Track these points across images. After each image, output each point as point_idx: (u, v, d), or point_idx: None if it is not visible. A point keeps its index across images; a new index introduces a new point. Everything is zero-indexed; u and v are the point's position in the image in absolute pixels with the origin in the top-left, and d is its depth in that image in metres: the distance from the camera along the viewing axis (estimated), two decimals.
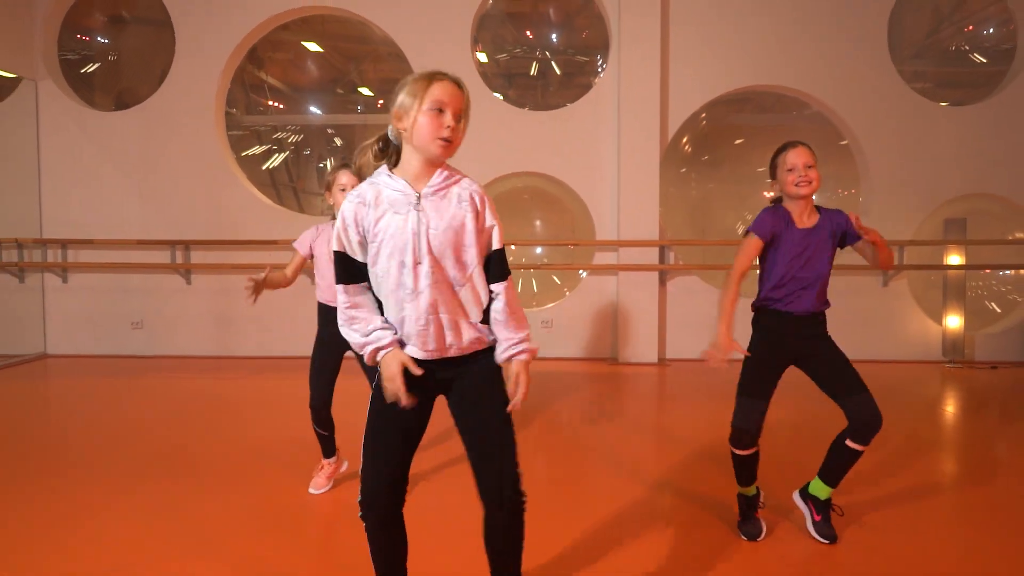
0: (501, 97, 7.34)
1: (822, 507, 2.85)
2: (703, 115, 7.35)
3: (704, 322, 6.78)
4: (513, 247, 7.60)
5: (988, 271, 7.24)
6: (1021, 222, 6.95)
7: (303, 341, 7.63)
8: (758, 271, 2.90)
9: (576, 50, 7.71)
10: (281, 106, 8.47)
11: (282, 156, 8.15)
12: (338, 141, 8.33)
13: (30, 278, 7.17)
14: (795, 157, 2.76)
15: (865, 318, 6.81)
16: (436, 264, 1.82)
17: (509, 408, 1.86)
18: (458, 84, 1.89)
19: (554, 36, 7.71)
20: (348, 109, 8.42)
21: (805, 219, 2.78)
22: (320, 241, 3.35)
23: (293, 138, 8.21)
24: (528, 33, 7.68)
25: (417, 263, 1.81)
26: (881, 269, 2.92)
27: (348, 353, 3.18)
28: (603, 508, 3.17)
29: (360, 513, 1.90)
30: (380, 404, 1.88)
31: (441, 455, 3.88)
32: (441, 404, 1.99)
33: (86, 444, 4.24)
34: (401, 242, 1.82)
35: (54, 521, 3.04)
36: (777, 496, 3.24)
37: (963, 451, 4.17)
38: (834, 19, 6.77)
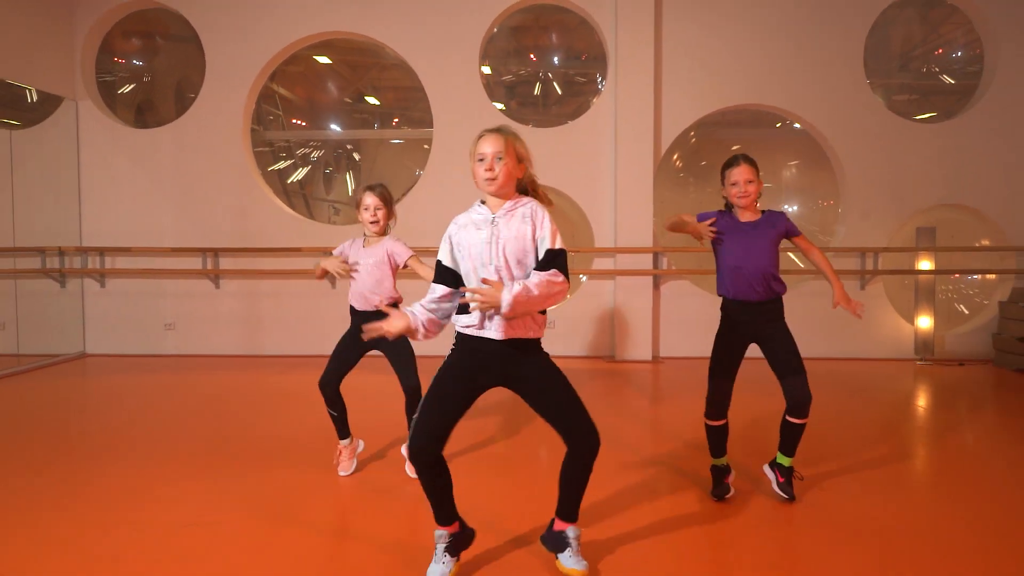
0: (502, 107, 7.87)
1: (785, 472, 3.41)
2: (692, 133, 7.91)
3: (695, 322, 7.32)
4: None
5: (956, 276, 7.80)
6: (987, 231, 7.51)
7: (324, 341, 8.33)
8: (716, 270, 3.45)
9: (576, 72, 8.29)
10: (304, 124, 9.04)
11: (304, 170, 8.72)
12: (356, 156, 8.88)
13: (71, 283, 7.72)
14: (737, 174, 3.29)
15: (843, 318, 7.32)
16: (505, 266, 2.45)
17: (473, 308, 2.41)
18: (498, 131, 2.53)
19: (556, 59, 8.30)
20: (366, 124, 8.98)
21: (749, 220, 3.34)
22: (352, 252, 3.80)
23: (315, 153, 8.77)
24: (532, 56, 8.26)
25: (489, 265, 2.46)
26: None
27: (373, 352, 3.71)
28: (605, 480, 3.73)
29: (409, 457, 2.52)
30: (442, 380, 2.51)
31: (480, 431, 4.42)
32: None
33: (129, 433, 4.68)
34: (477, 250, 2.47)
35: (110, 501, 3.44)
36: (751, 470, 3.81)
37: (927, 437, 4.72)
38: (815, 43, 7.33)
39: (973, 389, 6.12)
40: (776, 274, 3.31)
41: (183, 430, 4.76)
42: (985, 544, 2.95)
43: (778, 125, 7.67)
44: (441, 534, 2.63)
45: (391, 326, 2.48)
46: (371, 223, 3.68)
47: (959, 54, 7.94)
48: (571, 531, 2.66)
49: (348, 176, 8.65)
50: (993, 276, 7.65)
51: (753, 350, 3.40)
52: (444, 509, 2.60)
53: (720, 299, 3.46)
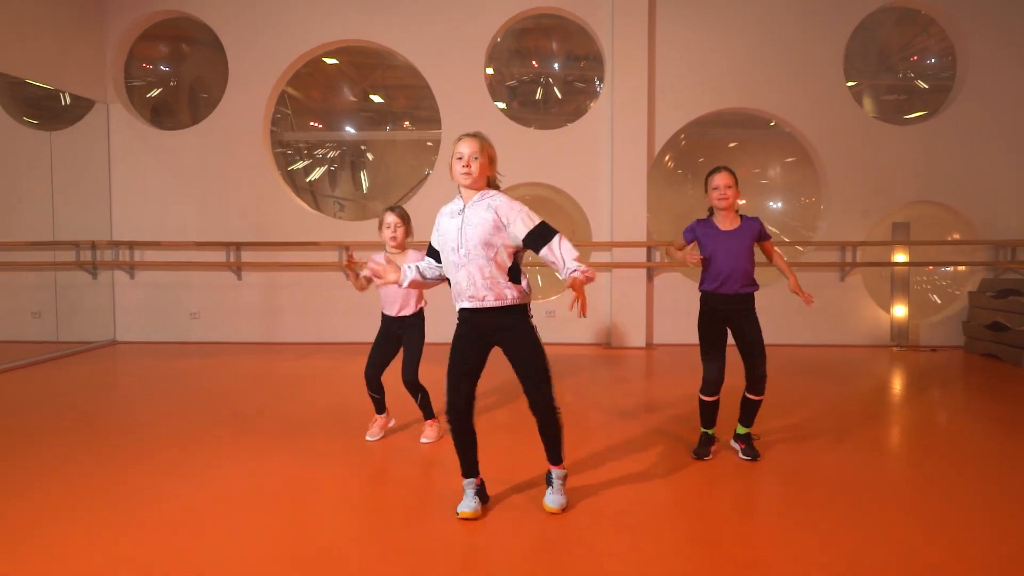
0: (503, 106, 8.35)
1: (746, 440, 3.96)
2: (682, 135, 8.43)
3: (686, 312, 7.80)
4: None
5: (930, 268, 8.31)
6: (958, 225, 8.03)
7: (338, 329, 8.93)
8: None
9: (575, 76, 8.81)
10: (320, 125, 9.55)
11: (321, 170, 9.24)
12: (370, 156, 9.40)
13: (102, 275, 8.24)
14: (719, 179, 3.81)
15: (825, 308, 7.89)
16: (471, 249, 2.97)
17: (578, 314, 2.91)
18: (475, 135, 3.06)
19: (556, 65, 8.82)
20: (373, 123, 9.48)
21: (728, 225, 3.84)
22: None
23: (331, 153, 9.30)
24: (533, 63, 8.78)
25: (459, 249, 2.99)
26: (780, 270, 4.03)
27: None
28: (599, 441, 4.27)
29: (447, 419, 3.08)
30: (458, 349, 3.07)
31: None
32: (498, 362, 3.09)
33: (163, 412, 5.20)
34: (451, 235, 3.01)
35: (155, 473, 3.90)
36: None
37: (900, 414, 5.25)
38: (797, 50, 7.85)
39: (944, 372, 6.60)
40: (752, 271, 3.83)
41: (212, 409, 5.19)
42: (928, 494, 3.49)
43: (772, 124, 8.18)
44: (470, 481, 3.18)
45: (385, 275, 3.09)
46: (391, 239, 4.19)
47: (932, 60, 8.44)
48: (554, 472, 3.23)
49: (363, 175, 9.16)
50: (964, 268, 8.17)
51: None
52: (471, 463, 3.16)
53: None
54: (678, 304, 7.93)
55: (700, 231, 3.89)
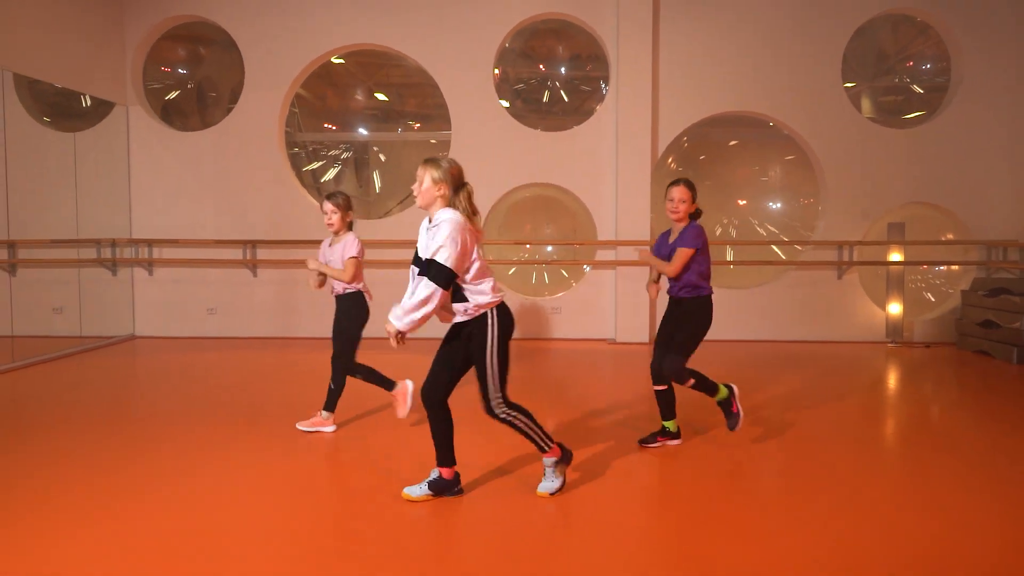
0: (507, 104, 8.60)
1: (665, 433, 4.24)
2: (685, 138, 8.67)
3: None
4: (528, 246, 8.96)
5: (925, 267, 8.56)
6: (951, 226, 8.28)
7: None
8: None
9: (580, 78, 9.07)
10: (335, 127, 9.81)
11: (335, 170, 9.50)
12: (382, 157, 9.66)
13: (121, 272, 8.49)
14: (673, 192, 4.03)
15: (823, 306, 8.15)
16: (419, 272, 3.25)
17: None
18: (423, 163, 3.28)
19: (563, 68, 9.07)
20: (378, 122, 9.73)
21: (674, 236, 4.10)
22: (325, 250, 4.62)
23: (344, 155, 9.55)
24: (541, 67, 9.03)
25: (415, 267, 3.28)
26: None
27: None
28: (606, 433, 4.53)
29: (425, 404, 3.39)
30: (444, 352, 3.35)
31: None
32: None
33: (184, 402, 5.45)
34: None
35: (164, 462, 4.15)
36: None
37: (894, 408, 5.50)
38: (796, 55, 8.09)
39: (937, 368, 6.86)
40: (695, 281, 4.02)
41: (230, 399, 5.45)
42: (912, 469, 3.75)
43: (771, 124, 8.42)
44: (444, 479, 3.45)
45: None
46: (328, 225, 4.49)
47: (928, 66, 8.68)
48: (545, 460, 3.48)
49: (375, 175, 9.42)
50: (957, 267, 8.42)
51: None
52: (449, 452, 3.42)
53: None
54: None
55: (660, 241, 4.21)
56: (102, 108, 8.33)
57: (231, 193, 8.44)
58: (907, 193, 8.15)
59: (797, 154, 8.57)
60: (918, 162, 8.10)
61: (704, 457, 4.04)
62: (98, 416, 4.96)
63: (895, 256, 8.01)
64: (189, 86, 9.05)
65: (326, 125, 9.76)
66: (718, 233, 8.93)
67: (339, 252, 4.46)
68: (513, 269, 8.89)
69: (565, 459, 3.51)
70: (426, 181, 3.24)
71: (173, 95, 8.96)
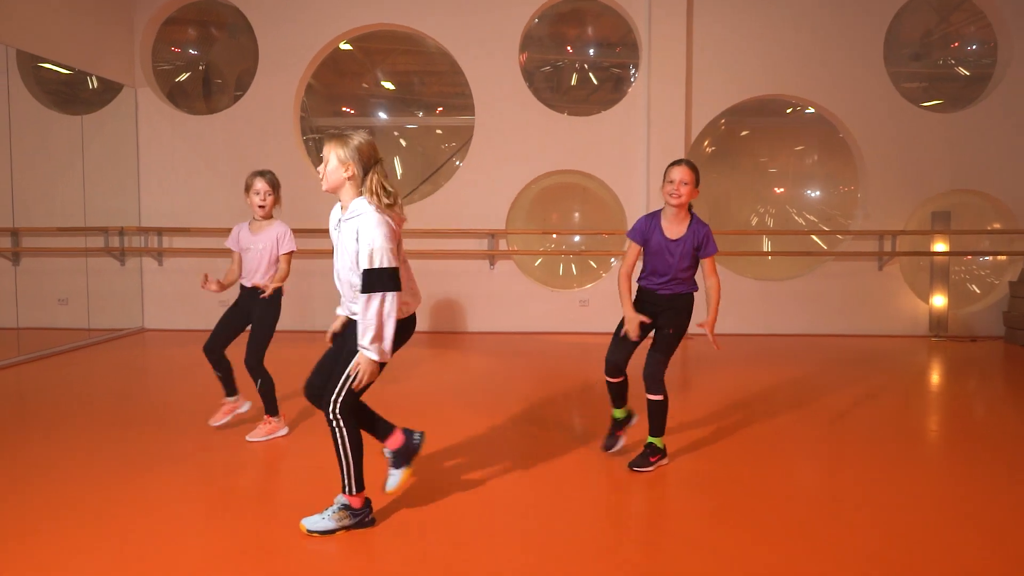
0: (528, 86, 8.25)
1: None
2: (722, 120, 8.33)
3: (724, 300, 7.75)
4: (555, 235, 8.61)
5: (969, 257, 8.23)
6: (998, 214, 7.95)
7: None
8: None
9: (610, 63, 8.72)
10: (352, 111, 9.46)
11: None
12: (403, 142, 9.32)
13: (130, 261, 8.15)
14: (675, 173, 3.40)
15: (863, 298, 7.81)
16: (344, 279, 2.84)
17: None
18: (328, 139, 2.75)
19: (591, 50, 8.72)
20: (388, 108, 9.38)
21: (675, 227, 3.48)
22: (242, 237, 4.14)
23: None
24: (568, 48, 8.68)
25: (336, 276, 2.88)
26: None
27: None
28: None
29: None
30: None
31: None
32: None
33: (195, 396, 5.17)
34: (336, 254, 2.86)
35: (175, 454, 3.98)
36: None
37: (937, 404, 5.18)
38: (835, 35, 7.75)
39: (984, 363, 6.54)
40: (692, 276, 3.61)
41: (243, 395, 5.15)
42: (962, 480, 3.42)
43: (788, 112, 8.10)
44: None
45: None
46: (259, 207, 3.92)
47: (973, 47, 8.34)
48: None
49: (395, 160, 9.06)
50: (1004, 257, 8.09)
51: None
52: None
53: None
54: None
55: (647, 230, 3.55)
56: (109, 91, 7.96)
57: (244, 178, 8.05)
58: (951, 180, 7.81)
59: (835, 140, 8.23)
60: (963, 147, 7.76)
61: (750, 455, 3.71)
62: (106, 413, 4.69)
63: (939, 246, 7.68)
64: (200, 67, 8.68)
65: (344, 108, 9.40)
66: (754, 223, 8.59)
67: (268, 241, 3.93)
68: (539, 260, 8.54)
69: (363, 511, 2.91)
70: (332, 160, 2.71)
71: (183, 77, 8.59)
